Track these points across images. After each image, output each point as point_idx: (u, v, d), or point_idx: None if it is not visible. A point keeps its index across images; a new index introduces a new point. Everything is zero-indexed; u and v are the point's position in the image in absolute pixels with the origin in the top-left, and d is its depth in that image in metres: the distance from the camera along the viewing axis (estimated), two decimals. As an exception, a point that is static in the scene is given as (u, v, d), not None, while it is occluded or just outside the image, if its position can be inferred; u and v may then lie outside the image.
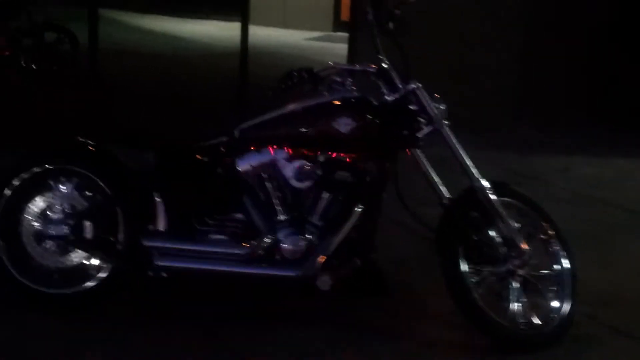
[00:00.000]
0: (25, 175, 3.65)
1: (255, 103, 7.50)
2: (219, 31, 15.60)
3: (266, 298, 3.83)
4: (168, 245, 3.59)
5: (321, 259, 3.51)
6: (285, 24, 15.80)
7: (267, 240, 3.54)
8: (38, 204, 3.66)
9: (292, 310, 3.80)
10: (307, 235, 3.54)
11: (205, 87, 8.98)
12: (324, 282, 3.52)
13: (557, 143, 7.66)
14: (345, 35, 17.14)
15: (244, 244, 3.57)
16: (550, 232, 3.76)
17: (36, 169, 3.65)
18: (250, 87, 7.44)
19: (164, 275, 3.59)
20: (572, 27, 8.60)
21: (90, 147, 3.73)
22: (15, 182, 3.64)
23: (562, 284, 3.70)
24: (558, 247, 3.75)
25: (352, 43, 7.52)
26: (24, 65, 9.57)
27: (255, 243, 3.55)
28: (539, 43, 8.48)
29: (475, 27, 8.07)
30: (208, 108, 7.62)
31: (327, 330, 3.63)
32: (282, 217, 3.58)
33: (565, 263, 3.72)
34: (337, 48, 14.99)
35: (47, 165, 3.67)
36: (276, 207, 3.58)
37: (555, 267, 3.73)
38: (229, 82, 7.97)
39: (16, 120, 6.86)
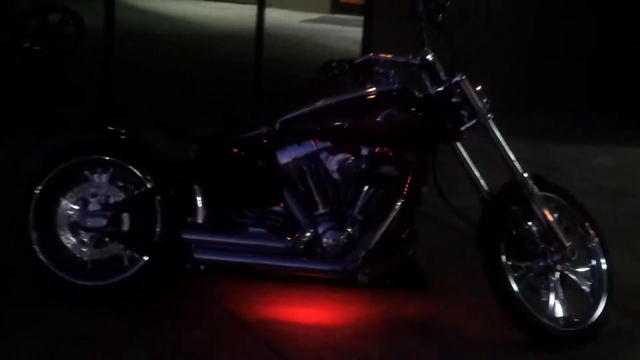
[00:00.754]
0: (61, 166, 3.59)
1: (274, 88, 7.51)
2: (211, 11, 15.56)
3: (303, 290, 3.79)
4: (207, 238, 3.55)
5: (362, 253, 3.48)
6: (281, 4, 15.61)
7: (307, 233, 3.51)
8: (74, 195, 3.61)
9: (328, 302, 3.76)
10: (347, 229, 3.51)
11: (220, 72, 8.92)
12: (365, 275, 3.49)
13: (569, 132, 7.65)
14: (341, 17, 17.21)
15: (284, 238, 3.54)
16: (588, 227, 3.74)
17: (73, 160, 3.59)
18: (265, 71, 7.34)
19: (202, 268, 3.55)
20: (582, 16, 8.58)
21: (128, 138, 3.68)
22: (51, 173, 3.58)
23: (599, 280, 3.69)
24: (595, 243, 3.73)
25: (367, 29, 7.42)
26: (28, 46, 9.47)
27: (296, 236, 3.52)
28: (549, 31, 8.46)
29: (483, 12, 8.01)
30: (226, 94, 7.58)
31: (364, 323, 3.61)
32: (322, 211, 3.55)
33: (602, 258, 3.71)
34: (336, 30, 14.98)
35: (84, 156, 3.61)
36: (317, 200, 3.55)
37: (593, 262, 3.72)
38: (241, 67, 7.89)
39: (27, 102, 6.78)
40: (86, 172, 3.62)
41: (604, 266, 3.70)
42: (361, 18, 16.48)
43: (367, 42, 7.43)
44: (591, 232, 3.74)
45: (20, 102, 6.74)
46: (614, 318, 3.68)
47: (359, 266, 3.48)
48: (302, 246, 3.51)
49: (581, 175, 6.14)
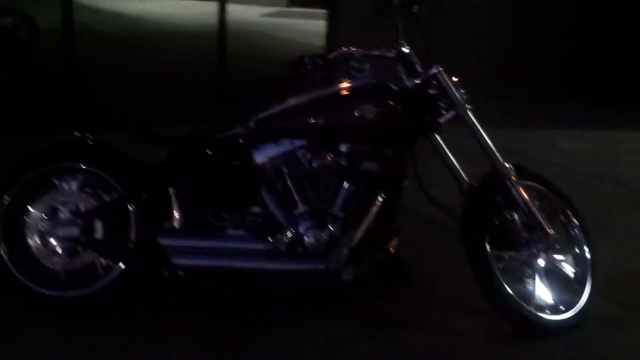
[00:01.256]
0: (28, 175, 3.45)
1: (237, 86, 7.40)
2: (173, 10, 15.36)
3: (287, 291, 3.71)
4: (184, 242, 3.44)
5: (346, 251, 3.40)
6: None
7: (288, 233, 3.41)
8: (43, 203, 3.48)
9: (313, 302, 3.70)
10: (329, 227, 3.43)
11: (182, 70, 8.79)
12: (349, 274, 3.42)
13: (538, 119, 7.66)
14: (300, 10, 17.12)
15: (264, 239, 3.44)
16: (569, 214, 3.71)
17: (42, 168, 3.46)
18: (229, 68, 7.23)
19: (181, 274, 3.44)
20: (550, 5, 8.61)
21: (97, 143, 3.55)
22: (18, 183, 3.44)
23: (583, 267, 3.66)
24: (577, 230, 3.71)
25: (332, 22, 7.34)
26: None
27: (277, 237, 3.42)
28: (516, 18, 8.46)
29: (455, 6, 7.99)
30: (190, 92, 7.46)
31: (351, 322, 3.54)
32: (302, 210, 3.46)
33: (585, 245, 3.69)
34: (296, 24, 14.88)
35: (51, 164, 3.48)
36: (296, 199, 3.46)
37: (575, 249, 3.69)
38: (204, 64, 7.78)
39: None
40: (54, 180, 3.49)
41: (587, 253, 3.68)
42: (319, 11, 16.53)
43: (332, 35, 7.33)
44: (573, 219, 3.71)
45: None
46: (597, 304, 3.66)
47: (342, 264, 3.41)
48: (284, 247, 3.42)
49: (553, 160, 6.14)
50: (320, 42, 11.73)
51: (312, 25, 14.54)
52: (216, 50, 7.16)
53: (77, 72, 6.62)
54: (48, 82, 6.86)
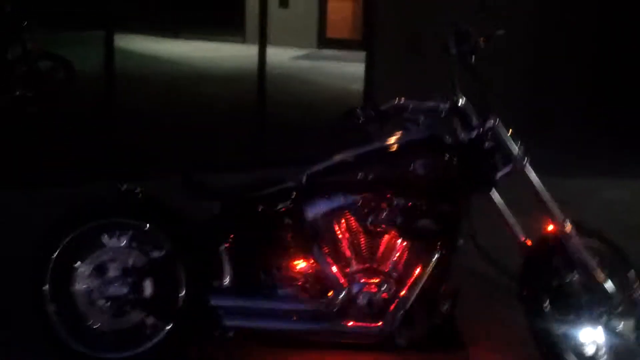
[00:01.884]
0: (77, 232, 3.39)
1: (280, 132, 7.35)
2: (207, 53, 15.43)
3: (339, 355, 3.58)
4: (235, 303, 3.36)
5: (400, 313, 3.29)
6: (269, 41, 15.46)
7: (340, 294, 3.31)
8: (91, 261, 3.40)
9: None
10: (382, 288, 3.32)
11: (224, 116, 8.75)
12: (403, 338, 3.30)
13: (572, 164, 7.47)
14: (329, 52, 17.14)
15: (316, 299, 3.35)
16: (630, 273, 3.57)
17: (89, 224, 3.39)
18: (268, 115, 7.19)
19: (230, 335, 3.34)
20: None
21: (144, 196, 3.48)
22: (66, 240, 3.37)
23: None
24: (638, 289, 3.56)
25: (369, 64, 7.29)
26: (20, 93, 9.31)
27: (328, 297, 3.32)
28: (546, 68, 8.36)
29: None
30: (232, 138, 7.43)
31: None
32: (355, 268, 3.36)
33: None
34: (330, 67, 14.85)
35: (101, 219, 3.41)
36: (349, 257, 3.37)
37: (638, 310, 3.54)
38: (242, 109, 7.77)
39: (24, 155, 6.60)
40: (103, 236, 3.42)
41: None
42: (349, 52, 16.54)
43: (370, 78, 7.27)
44: (633, 278, 3.57)
45: (17, 153, 6.57)
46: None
47: (397, 328, 3.29)
48: (336, 308, 3.31)
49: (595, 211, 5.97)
50: (351, 85, 11.77)
51: (344, 67, 14.57)
52: (256, 96, 7.11)
53: (117, 117, 6.59)
54: (86, 126, 6.86)
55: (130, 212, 3.44)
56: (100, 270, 3.39)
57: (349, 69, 14.04)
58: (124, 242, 3.42)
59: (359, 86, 9.39)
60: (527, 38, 8.08)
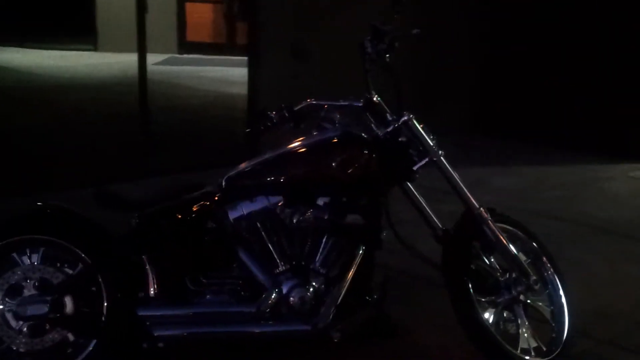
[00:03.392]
0: None
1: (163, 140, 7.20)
2: (59, 61, 14.90)
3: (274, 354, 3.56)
4: (163, 312, 3.26)
5: (332, 308, 3.30)
6: (119, 48, 14.99)
7: (271, 295, 3.28)
8: (4, 281, 3.21)
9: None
10: (312, 285, 3.32)
11: (103, 126, 8.51)
12: (338, 332, 3.31)
13: (464, 156, 7.76)
14: (191, 57, 16.94)
15: (246, 302, 3.31)
16: (541, 255, 3.73)
17: None
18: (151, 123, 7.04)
19: (161, 345, 3.25)
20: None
21: (56, 211, 3.33)
22: None
23: (559, 307, 3.67)
24: (550, 271, 3.72)
25: (252, 68, 7.25)
26: None
27: (259, 299, 3.29)
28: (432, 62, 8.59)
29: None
30: (116, 148, 7.23)
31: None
32: (283, 268, 3.34)
33: (560, 286, 3.70)
34: (195, 71, 14.68)
35: (10, 238, 3.23)
36: (275, 257, 3.34)
37: (550, 290, 3.70)
38: (122, 118, 7.58)
39: None
40: (14, 254, 3.25)
41: (562, 294, 3.69)
42: (212, 57, 16.37)
43: (253, 82, 7.23)
44: (544, 259, 3.73)
45: None
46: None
47: (330, 323, 3.30)
48: (268, 308, 3.28)
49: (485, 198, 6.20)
50: (224, 88, 11.68)
51: (209, 72, 14.44)
52: (132, 103, 6.94)
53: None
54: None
55: (41, 227, 3.27)
56: (14, 290, 3.21)
57: (216, 74, 13.96)
58: (38, 260, 3.26)
59: (235, 89, 9.37)
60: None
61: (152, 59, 16.23)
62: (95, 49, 16.98)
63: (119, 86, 10.77)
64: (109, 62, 14.18)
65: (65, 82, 12.56)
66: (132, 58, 6.90)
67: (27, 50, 16.24)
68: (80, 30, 17.12)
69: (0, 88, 11.22)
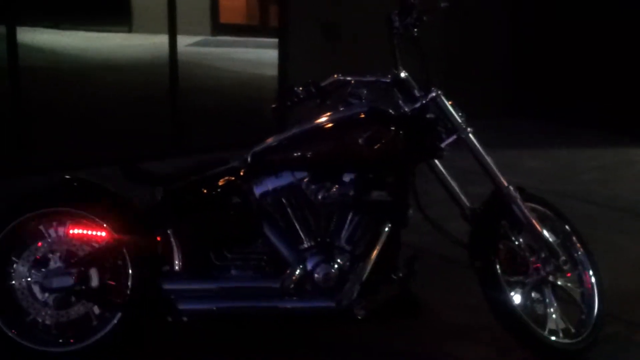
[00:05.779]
0: (13, 224, 3.21)
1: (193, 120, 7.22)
2: (94, 42, 15.01)
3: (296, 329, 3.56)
4: (187, 286, 3.26)
5: (357, 285, 3.27)
6: (155, 29, 15.09)
7: (296, 270, 3.26)
8: (31, 253, 3.24)
9: (322, 337, 3.56)
10: (337, 261, 3.30)
11: (137, 106, 8.56)
12: (362, 309, 3.28)
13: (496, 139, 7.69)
14: (224, 39, 16.94)
15: (270, 277, 3.29)
16: (571, 235, 3.66)
17: (26, 215, 3.23)
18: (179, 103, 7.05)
19: (185, 319, 3.25)
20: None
21: (84, 184, 3.35)
22: (2, 234, 3.20)
23: (589, 288, 3.61)
24: (580, 251, 3.66)
25: (282, 47, 7.22)
26: None
27: (284, 275, 3.27)
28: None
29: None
30: (146, 128, 7.27)
31: (362, 358, 3.44)
32: (308, 244, 3.32)
33: (590, 266, 3.64)
34: (229, 53, 14.71)
35: (38, 210, 3.25)
36: (300, 233, 3.32)
37: (580, 270, 3.64)
38: (155, 98, 7.61)
39: None
40: (41, 227, 3.27)
41: (592, 275, 3.62)
42: (246, 39, 16.37)
43: (283, 62, 7.21)
44: (575, 240, 3.66)
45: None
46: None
47: (354, 300, 3.27)
48: (292, 284, 3.26)
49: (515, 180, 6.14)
50: (257, 70, 11.68)
51: (242, 54, 14.45)
52: (167, 84, 6.95)
53: (27, 111, 6.31)
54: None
55: (69, 200, 3.29)
56: (41, 262, 3.24)
57: (248, 56, 13.97)
58: (62, 233, 3.27)
59: (267, 71, 9.35)
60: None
61: (185, 40, 16.39)
62: (130, 31, 17.11)
63: (151, 67, 10.80)
64: (142, 44, 14.28)
65: (99, 63, 12.67)
66: (165, 40, 6.93)
67: (63, 31, 16.41)
68: (115, 12, 17.25)
69: (36, 68, 11.29)
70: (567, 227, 3.66)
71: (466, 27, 8.12)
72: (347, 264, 3.31)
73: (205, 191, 3.33)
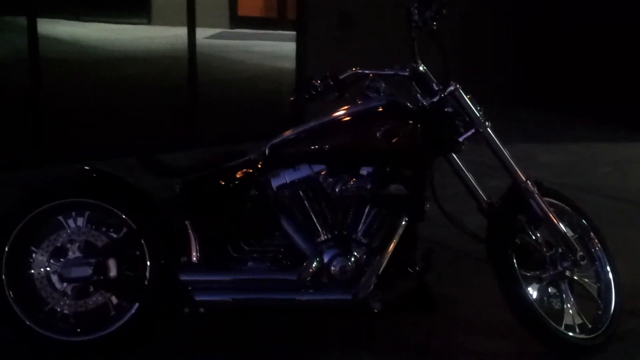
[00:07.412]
0: (32, 214, 3.24)
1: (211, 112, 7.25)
2: (113, 34, 15.06)
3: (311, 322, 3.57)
4: (205, 277, 3.28)
5: (373, 278, 3.27)
6: (173, 22, 15.14)
7: (312, 263, 3.27)
8: (50, 244, 3.27)
9: (336, 330, 3.57)
10: (354, 254, 3.30)
11: (157, 98, 8.61)
12: (378, 302, 3.29)
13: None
14: (242, 31, 16.95)
15: (287, 270, 3.30)
16: (589, 230, 3.65)
17: (45, 206, 3.25)
18: (200, 96, 7.08)
19: (202, 310, 3.27)
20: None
21: (103, 175, 3.37)
22: (21, 224, 3.23)
23: (606, 284, 3.60)
24: (598, 247, 3.64)
25: (300, 40, 7.23)
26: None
27: (300, 267, 3.28)
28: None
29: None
30: (164, 120, 7.30)
31: (377, 351, 3.44)
32: (325, 237, 3.33)
33: (607, 262, 3.63)
34: (247, 45, 14.71)
35: (57, 200, 3.27)
36: (317, 226, 3.33)
37: (597, 266, 3.63)
38: (175, 90, 7.65)
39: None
40: (60, 217, 3.29)
41: (609, 271, 3.61)
42: (264, 31, 16.35)
43: (301, 55, 7.22)
44: (593, 236, 3.65)
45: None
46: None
47: (370, 293, 3.28)
48: (309, 277, 3.27)
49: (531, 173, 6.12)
50: (269, 62, 11.69)
51: (260, 46, 14.45)
52: (186, 76, 6.98)
53: (47, 101, 6.37)
54: (15, 113, 6.63)
55: (88, 191, 3.31)
56: (60, 252, 3.27)
57: (266, 48, 13.96)
58: (84, 223, 3.30)
59: (285, 64, 9.36)
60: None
61: (204, 33, 16.45)
62: (149, 23, 17.12)
63: (170, 59, 10.86)
64: (161, 36, 14.31)
65: (118, 54, 12.71)
66: (184, 32, 6.97)
67: (83, 23, 16.48)
68: (135, 5, 17.29)
69: (56, 59, 11.37)
70: (584, 222, 3.65)
71: (481, 15, 8.08)
72: (364, 257, 3.32)
73: (222, 183, 3.35)
